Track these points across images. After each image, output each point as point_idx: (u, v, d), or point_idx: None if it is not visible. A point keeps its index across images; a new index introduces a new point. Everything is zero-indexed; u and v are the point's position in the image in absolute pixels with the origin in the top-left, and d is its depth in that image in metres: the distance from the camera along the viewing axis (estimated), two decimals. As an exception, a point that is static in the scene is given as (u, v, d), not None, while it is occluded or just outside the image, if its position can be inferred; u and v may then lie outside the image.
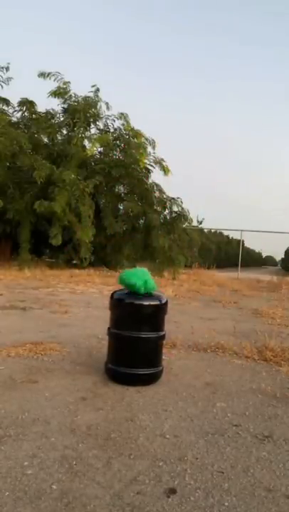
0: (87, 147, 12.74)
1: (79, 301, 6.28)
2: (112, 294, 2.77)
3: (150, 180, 13.43)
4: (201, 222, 23.39)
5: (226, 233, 29.22)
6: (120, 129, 13.60)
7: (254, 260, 40.88)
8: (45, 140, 13.48)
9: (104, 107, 13.38)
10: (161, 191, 13.26)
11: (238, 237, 22.30)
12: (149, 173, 13.42)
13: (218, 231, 27.94)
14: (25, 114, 13.48)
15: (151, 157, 13.15)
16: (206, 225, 25.83)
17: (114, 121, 13.70)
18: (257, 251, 44.21)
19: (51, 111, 13.62)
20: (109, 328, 2.75)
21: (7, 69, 12.52)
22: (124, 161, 13.03)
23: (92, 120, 13.34)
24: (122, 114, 13.34)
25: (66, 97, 13.03)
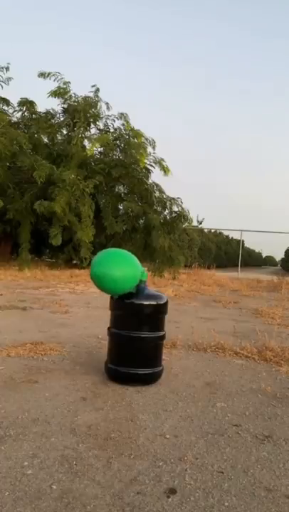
0: (87, 147, 12.75)
1: (79, 301, 6.28)
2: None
3: (150, 180, 13.45)
4: (201, 222, 23.46)
5: (226, 233, 29.27)
6: (120, 129, 13.63)
7: (254, 260, 40.91)
8: (45, 140, 13.48)
9: (104, 107, 13.42)
10: (161, 191, 13.27)
11: (238, 237, 22.31)
12: (149, 173, 13.44)
13: (218, 231, 27.96)
14: (25, 114, 13.50)
15: (151, 157, 13.17)
16: (206, 225, 25.87)
17: (114, 121, 13.74)
18: (257, 251, 44.26)
19: (51, 111, 13.66)
20: (109, 328, 2.75)
21: (7, 69, 12.54)
22: (124, 161, 13.04)
23: (92, 120, 13.34)
24: (122, 114, 13.36)
25: (66, 97, 13.05)
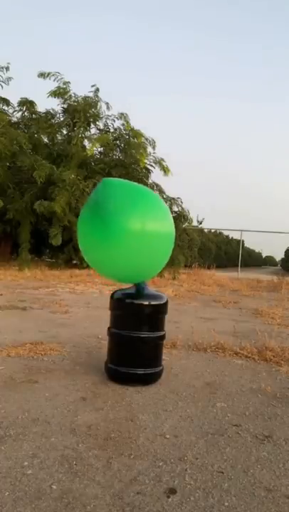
0: (87, 147, 12.76)
1: (79, 301, 6.28)
2: (112, 294, 2.77)
3: (150, 181, 13.46)
4: (201, 222, 23.43)
5: (226, 233, 29.28)
6: (120, 129, 13.64)
7: (254, 260, 40.93)
8: (45, 140, 13.50)
9: (104, 107, 13.43)
10: (161, 191, 13.29)
11: (238, 237, 22.32)
12: (149, 173, 13.47)
13: (218, 231, 27.95)
14: (25, 114, 13.52)
15: (152, 157, 13.19)
16: (206, 225, 25.86)
17: (114, 121, 13.76)
18: (257, 251, 44.28)
19: (51, 111, 13.67)
20: (109, 328, 2.75)
21: (7, 69, 12.55)
22: (124, 161, 13.05)
23: (92, 120, 13.35)
24: (122, 114, 13.38)
25: (66, 97, 13.06)
